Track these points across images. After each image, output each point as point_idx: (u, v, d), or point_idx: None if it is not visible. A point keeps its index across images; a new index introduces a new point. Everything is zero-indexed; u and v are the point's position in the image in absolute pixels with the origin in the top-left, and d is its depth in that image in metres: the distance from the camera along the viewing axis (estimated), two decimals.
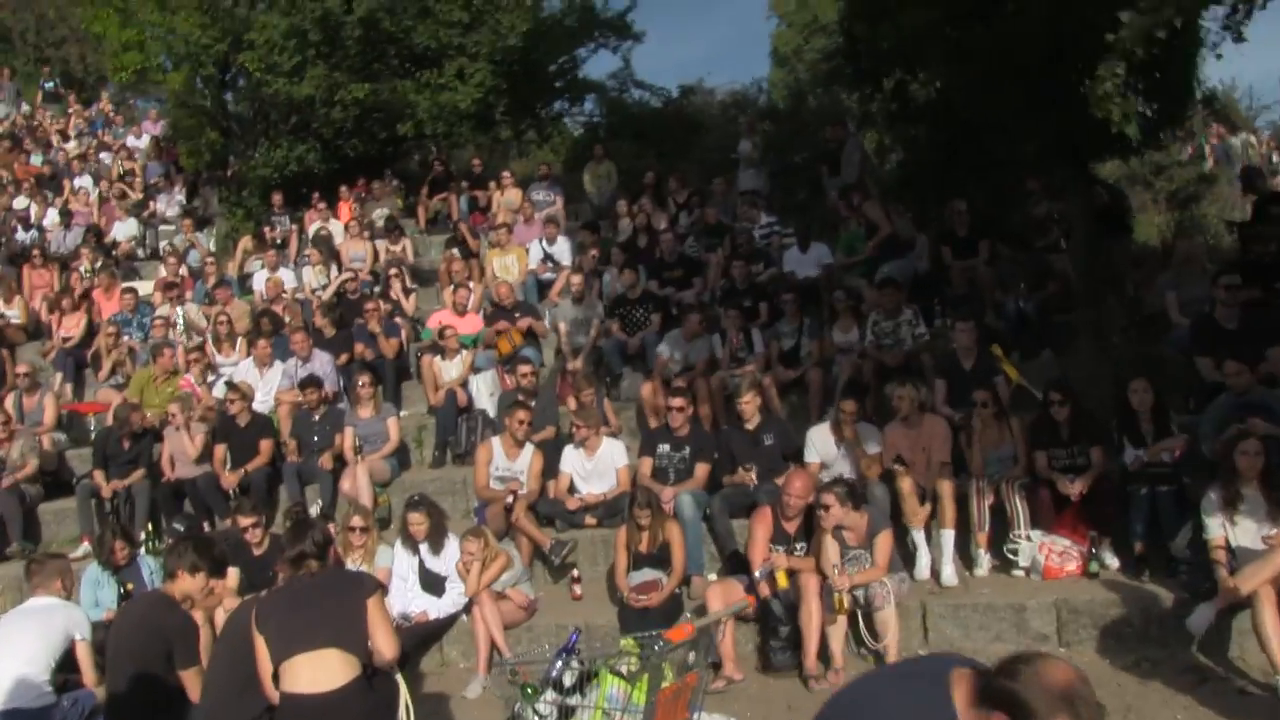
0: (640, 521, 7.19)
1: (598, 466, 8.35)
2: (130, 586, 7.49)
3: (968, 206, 10.92)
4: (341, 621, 4.23)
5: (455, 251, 13.02)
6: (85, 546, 8.82)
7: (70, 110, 21.68)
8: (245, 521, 7.49)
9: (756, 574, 6.77)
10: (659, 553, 7.22)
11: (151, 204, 16.21)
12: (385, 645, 4.31)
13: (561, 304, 11.29)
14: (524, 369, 9.34)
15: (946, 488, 7.26)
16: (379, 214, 14.65)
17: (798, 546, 6.87)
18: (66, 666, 5.71)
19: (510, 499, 7.91)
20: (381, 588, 4.79)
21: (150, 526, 8.84)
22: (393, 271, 12.25)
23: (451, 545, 7.40)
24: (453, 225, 14.48)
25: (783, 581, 6.58)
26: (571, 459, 8.40)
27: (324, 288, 12.58)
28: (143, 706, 4.74)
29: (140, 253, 15.15)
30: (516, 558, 7.44)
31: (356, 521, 7.41)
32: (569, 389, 9.66)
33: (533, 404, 8.80)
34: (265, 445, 9.25)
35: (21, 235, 14.85)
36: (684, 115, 20.38)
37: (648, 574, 7.21)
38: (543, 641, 7.05)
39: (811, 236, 11.65)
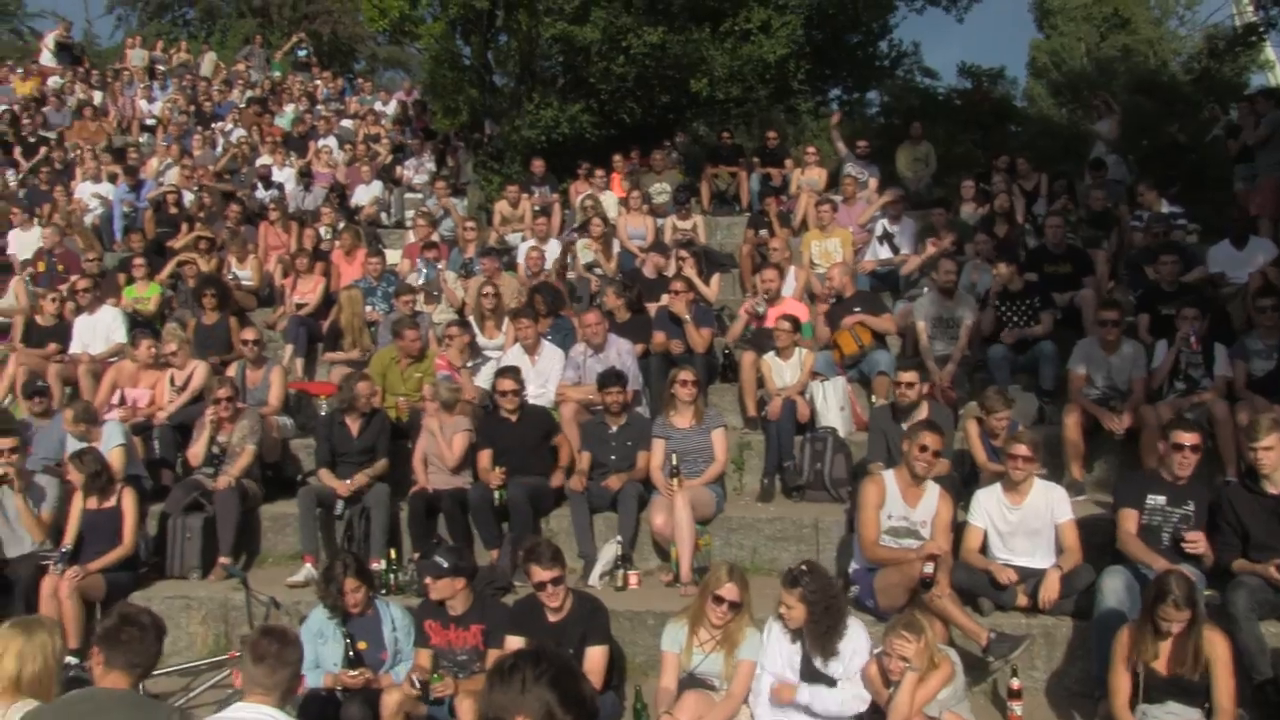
0: (1169, 626, 4.34)
1: (1026, 519, 5.58)
2: (364, 646, 5.12)
3: None
4: None
5: (764, 231, 10.45)
6: (308, 569, 6.61)
7: (318, 79, 20.55)
8: (543, 575, 4.88)
9: None
10: (1183, 679, 4.37)
11: (398, 169, 14.39)
12: None
13: (920, 297, 8.51)
14: (907, 376, 6.62)
15: None
16: (657, 188, 12.32)
17: None
18: None
19: (930, 568, 5.14)
20: None
21: (392, 553, 6.56)
22: (684, 253, 9.70)
23: (854, 637, 4.73)
24: (748, 207, 12.07)
25: None
26: (990, 507, 5.65)
27: (595, 265, 10.27)
28: None
29: (384, 218, 13.24)
30: (959, 666, 4.65)
31: (728, 591, 4.65)
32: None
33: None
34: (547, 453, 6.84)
35: (261, 193, 13.22)
36: (993, 99, 17.60)
37: (1175, 712, 4.39)
38: None
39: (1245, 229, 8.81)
